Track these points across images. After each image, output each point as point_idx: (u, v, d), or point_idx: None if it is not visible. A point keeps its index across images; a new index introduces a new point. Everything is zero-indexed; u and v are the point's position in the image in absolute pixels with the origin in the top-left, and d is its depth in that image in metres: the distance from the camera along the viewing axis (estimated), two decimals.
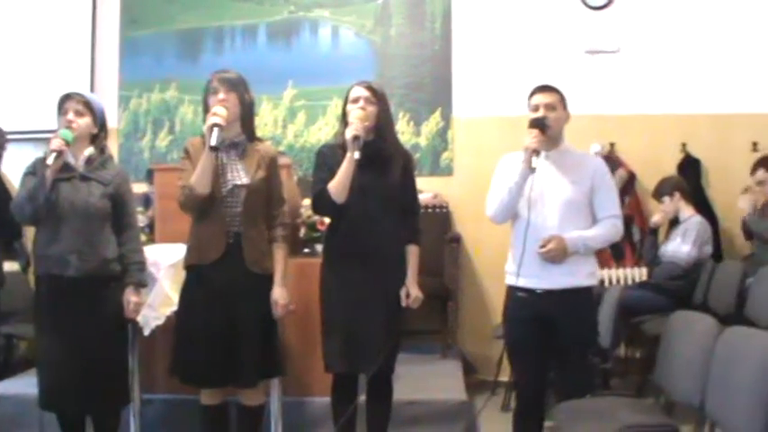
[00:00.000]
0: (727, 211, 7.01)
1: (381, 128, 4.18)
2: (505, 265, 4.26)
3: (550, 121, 4.06)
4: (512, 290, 4.20)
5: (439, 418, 5.12)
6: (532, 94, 4.20)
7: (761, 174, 6.38)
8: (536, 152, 3.95)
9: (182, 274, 4.26)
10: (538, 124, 4.02)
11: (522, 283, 4.09)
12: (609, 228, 4.15)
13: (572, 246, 4.02)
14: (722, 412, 3.33)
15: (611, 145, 7.08)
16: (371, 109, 4.13)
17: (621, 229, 4.26)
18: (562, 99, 4.18)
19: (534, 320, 4.08)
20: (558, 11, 7.20)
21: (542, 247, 4.00)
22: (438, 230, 6.55)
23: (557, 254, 4.00)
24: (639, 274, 6.66)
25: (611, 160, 6.93)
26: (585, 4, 7.18)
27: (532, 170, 3.96)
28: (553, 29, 7.19)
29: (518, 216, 4.14)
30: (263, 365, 4.15)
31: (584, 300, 4.18)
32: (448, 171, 7.21)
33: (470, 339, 6.78)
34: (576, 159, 4.20)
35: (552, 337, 4.08)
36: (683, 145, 7.09)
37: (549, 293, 4.05)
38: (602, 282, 6.00)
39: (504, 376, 5.83)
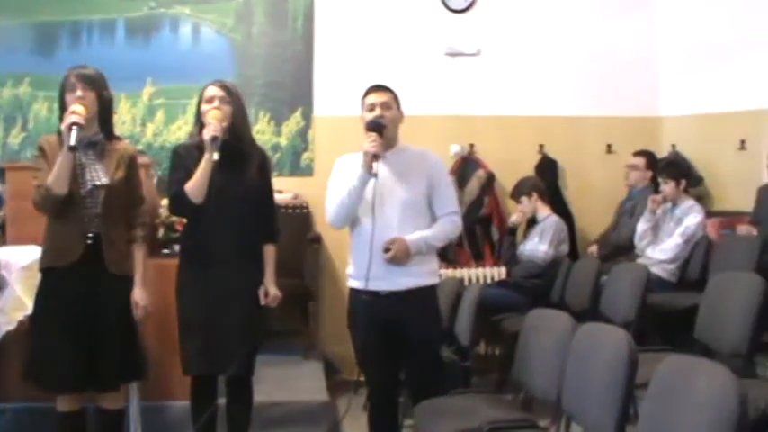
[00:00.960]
0: (583, 210, 7.24)
1: (237, 127, 4.13)
2: (347, 269, 4.27)
3: (387, 121, 4.05)
4: (355, 293, 4.19)
5: (301, 420, 5.11)
6: (366, 94, 4.17)
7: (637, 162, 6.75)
8: (376, 157, 3.93)
9: (36, 277, 4.11)
10: (375, 127, 3.99)
11: (370, 286, 4.06)
12: (448, 224, 4.19)
13: (414, 247, 4.04)
14: (578, 406, 3.42)
15: (471, 146, 7.19)
16: (227, 108, 4.08)
17: (461, 225, 4.31)
18: (396, 98, 4.18)
19: (380, 323, 4.09)
20: (420, 13, 7.27)
21: (386, 251, 4.00)
22: (298, 231, 6.52)
23: (401, 257, 4.01)
24: (498, 273, 6.80)
25: (471, 161, 7.08)
26: (446, 7, 7.28)
27: (373, 175, 3.95)
28: (414, 31, 7.25)
29: (359, 221, 4.13)
30: (124, 368, 4.06)
31: (429, 298, 4.21)
32: (308, 171, 7.18)
33: (332, 340, 6.76)
34: (413, 158, 4.20)
35: (400, 337, 4.11)
36: (541, 146, 7.27)
37: (394, 295, 4.06)
38: (461, 281, 6.09)
39: (363, 376, 5.86)
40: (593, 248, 6.80)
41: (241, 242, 4.10)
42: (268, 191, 4.32)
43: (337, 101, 7.05)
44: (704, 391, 2.52)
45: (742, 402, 2.36)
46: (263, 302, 4.17)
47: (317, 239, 6.63)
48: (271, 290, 4.20)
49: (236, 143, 4.11)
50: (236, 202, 4.09)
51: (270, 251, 4.25)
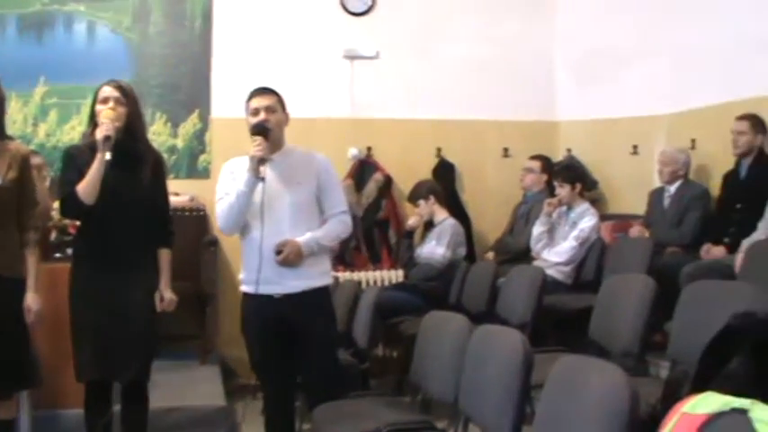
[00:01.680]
0: (480, 213, 7.31)
1: (131, 128, 4.04)
2: (240, 274, 4.23)
3: (272, 124, 4.04)
4: (249, 298, 4.17)
5: (198, 425, 5.04)
6: (250, 97, 4.17)
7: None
8: (262, 161, 3.93)
9: None
10: (260, 131, 3.99)
11: (260, 290, 4.06)
12: (339, 224, 4.22)
13: (306, 247, 4.04)
14: (475, 407, 3.44)
15: (369, 149, 7.18)
16: (121, 109, 3.99)
17: (350, 225, 4.34)
18: (281, 101, 4.18)
19: (275, 327, 4.08)
20: (318, 15, 7.23)
21: (278, 253, 3.99)
22: (195, 234, 6.41)
23: (293, 258, 4.00)
24: (396, 275, 6.81)
25: (369, 164, 7.06)
26: (345, 10, 7.26)
27: (261, 179, 3.94)
28: (313, 33, 7.20)
29: (248, 226, 4.11)
30: (15, 376, 3.93)
31: (322, 299, 4.21)
32: (205, 174, 7.04)
33: (230, 344, 6.62)
34: (300, 160, 4.21)
35: (295, 340, 4.09)
36: (438, 150, 7.31)
37: (288, 298, 4.05)
38: (359, 284, 6.08)
39: (259, 381, 5.80)
40: (490, 255, 6.86)
41: (135, 245, 4.02)
42: (162, 193, 4.24)
43: (235, 103, 6.81)
44: (597, 390, 2.56)
45: (633, 400, 2.40)
46: (158, 307, 4.09)
47: (214, 242, 6.53)
48: (166, 294, 4.12)
49: (131, 144, 4.02)
50: (129, 205, 4.01)
51: (164, 255, 4.17)
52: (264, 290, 4.05)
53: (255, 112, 4.09)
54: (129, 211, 4.00)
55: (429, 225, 6.68)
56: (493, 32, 7.44)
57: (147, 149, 4.15)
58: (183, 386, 5.49)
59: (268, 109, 4.08)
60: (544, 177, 6.95)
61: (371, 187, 7.05)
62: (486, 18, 7.45)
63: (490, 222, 7.32)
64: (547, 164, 7.04)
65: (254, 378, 6.05)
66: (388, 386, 6.10)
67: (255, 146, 3.93)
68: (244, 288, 4.19)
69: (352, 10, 7.26)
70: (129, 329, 3.95)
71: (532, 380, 3.12)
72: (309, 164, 4.20)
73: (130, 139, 4.02)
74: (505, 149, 7.49)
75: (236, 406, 5.54)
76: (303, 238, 4.04)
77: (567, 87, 7.64)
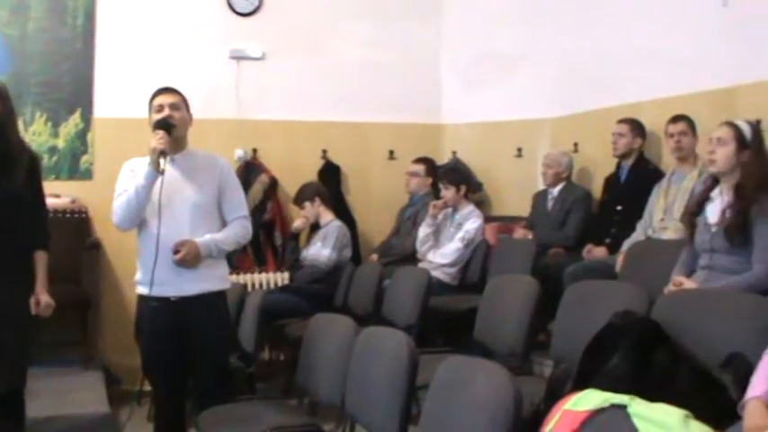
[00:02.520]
0: (366, 215, 7.32)
1: (3, 127, 3.89)
2: (135, 275, 4.14)
3: (176, 120, 4.00)
4: (144, 300, 4.08)
5: None
6: (155, 95, 4.11)
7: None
8: (163, 153, 3.87)
9: None
10: (163, 125, 3.94)
11: (156, 292, 3.98)
12: (239, 229, 4.18)
13: (205, 250, 3.98)
14: (362, 409, 3.43)
15: (254, 150, 7.11)
16: None
17: (251, 230, 4.30)
18: (185, 101, 4.14)
19: (170, 330, 4.00)
20: (205, 15, 7.11)
21: (175, 253, 3.92)
22: (76, 236, 6.23)
23: (191, 259, 3.94)
24: (282, 278, 6.77)
25: (254, 166, 6.99)
26: (232, 10, 7.16)
27: (161, 172, 3.87)
28: (199, 32, 7.08)
29: (146, 223, 4.03)
30: None
31: (219, 304, 4.16)
32: (88, 175, 6.83)
33: (113, 349, 6.50)
34: (202, 161, 4.17)
35: (189, 344, 4.03)
36: (324, 151, 7.28)
37: (183, 300, 3.99)
38: (245, 286, 6.01)
39: (150, 385, 5.69)
40: (374, 257, 6.87)
41: (9, 248, 3.87)
42: (37, 194, 4.09)
43: (119, 102, 6.76)
44: (482, 390, 2.58)
45: (517, 399, 2.43)
46: (34, 312, 3.95)
47: (97, 245, 6.38)
48: (42, 298, 3.96)
49: (4, 144, 3.87)
50: (2, 208, 3.85)
51: (40, 257, 4.02)
52: (160, 291, 3.97)
53: (160, 108, 4.03)
54: (2, 213, 3.84)
55: (315, 227, 6.65)
56: (380, 35, 7.45)
57: (20, 149, 4.00)
58: (63, 394, 5.32)
59: (172, 106, 4.03)
60: (429, 180, 7.00)
61: (257, 189, 6.97)
62: (374, 21, 7.45)
63: (376, 224, 7.34)
64: (431, 166, 7.09)
65: (139, 384, 5.97)
66: (274, 389, 6.05)
67: (157, 139, 3.87)
68: (139, 289, 4.10)
69: (239, 10, 7.17)
70: (2, 336, 3.79)
71: (419, 380, 3.13)
72: (212, 166, 4.16)
73: (2, 138, 3.87)
74: (391, 152, 7.51)
75: (121, 413, 5.42)
76: (202, 239, 3.98)
77: (454, 90, 7.71)
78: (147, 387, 5.79)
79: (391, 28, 7.51)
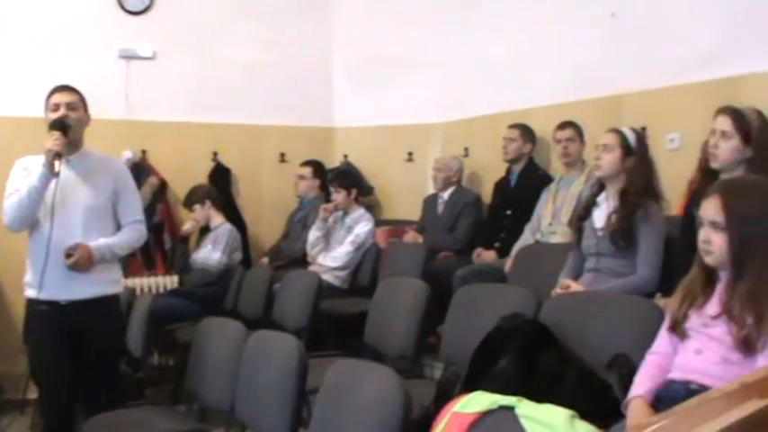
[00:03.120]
0: (256, 218, 7.26)
1: None
2: (24, 278, 4.02)
3: (72, 121, 3.91)
4: (33, 303, 3.97)
5: None
6: (52, 93, 4.01)
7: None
8: (58, 155, 3.77)
9: None
10: (59, 125, 3.84)
11: (45, 295, 3.88)
12: (134, 233, 4.12)
13: (98, 254, 3.90)
14: (251, 414, 3.40)
15: (144, 152, 6.97)
16: None
17: (145, 234, 4.25)
18: (83, 100, 4.07)
19: (60, 334, 3.89)
20: (94, 12, 6.93)
21: (68, 257, 3.83)
22: None
23: (83, 263, 3.85)
24: (171, 281, 6.67)
25: (143, 167, 6.86)
26: (122, 8, 6.99)
27: (55, 174, 3.78)
28: (87, 30, 6.90)
29: (38, 225, 3.92)
30: None
31: (111, 308, 4.09)
32: None
33: None
34: (98, 163, 4.09)
35: (80, 349, 3.93)
36: (215, 154, 7.20)
37: (74, 305, 3.90)
38: (133, 290, 5.89)
39: (33, 394, 5.50)
40: (265, 260, 6.82)
41: None
42: None
43: (3, 100, 6.57)
44: (371, 393, 2.58)
45: (405, 402, 2.44)
46: None
47: None
48: None
49: None
50: None
51: None
52: (49, 295, 3.87)
53: (56, 107, 3.93)
54: None
55: (205, 230, 6.57)
56: (272, 36, 7.41)
57: None
58: None
59: (69, 105, 3.94)
60: (317, 183, 7.00)
61: (146, 191, 6.82)
62: (266, 22, 7.40)
63: (266, 227, 7.29)
64: (318, 169, 7.09)
65: (22, 392, 5.78)
66: (163, 395, 5.94)
67: (53, 140, 3.77)
68: (28, 292, 3.99)
69: (130, 8, 7.01)
70: None
71: (309, 384, 3.12)
72: (108, 168, 4.09)
73: None
74: (282, 155, 7.47)
75: (1, 422, 5.25)
76: (96, 243, 3.90)
77: (345, 94, 7.71)
78: (31, 395, 5.65)
79: (283, 29, 7.47)
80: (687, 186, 3.92)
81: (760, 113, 3.59)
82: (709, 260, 2.62)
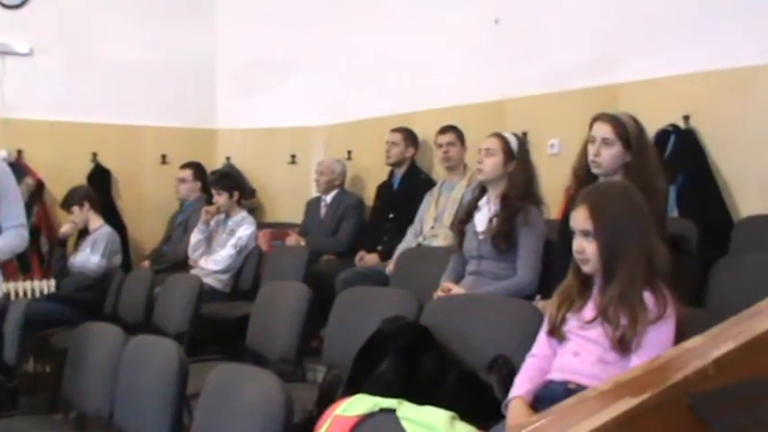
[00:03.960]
0: (137, 221, 7.14)
1: None
2: None
3: None
4: None
5: None
6: None
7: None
8: None
9: None
10: None
11: None
12: (17, 238, 4.02)
13: None
14: (131, 420, 3.34)
15: (19, 152, 6.78)
16: None
17: (27, 239, 4.13)
18: None
19: None
20: None
21: None
22: None
23: None
24: (48, 285, 6.51)
25: (19, 168, 6.65)
26: None
27: None
28: None
29: None
30: None
31: None
32: None
33: None
34: None
35: None
36: (94, 154, 7.06)
37: None
38: (7, 295, 5.71)
39: None
40: (145, 264, 6.71)
41: None
42: None
43: None
44: (252, 397, 2.57)
45: (287, 405, 2.43)
46: None
47: None
48: None
49: None
50: None
51: None
52: None
53: None
54: None
55: (83, 233, 6.42)
56: (154, 35, 7.29)
57: None
58: None
59: None
60: (198, 185, 6.93)
61: (22, 192, 6.64)
62: (148, 20, 7.28)
63: (147, 230, 7.18)
64: (199, 171, 7.01)
65: None
66: (39, 404, 5.77)
67: None
68: None
69: (5, 2, 6.80)
70: None
71: (190, 389, 3.08)
72: None
73: None
74: (164, 156, 7.37)
75: None
76: None
77: (228, 95, 7.66)
78: None
79: (165, 28, 7.37)
80: (565, 192, 4.00)
81: (634, 118, 3.69)
82: (587, 269, 2.69)
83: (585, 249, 2.66)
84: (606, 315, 2.59)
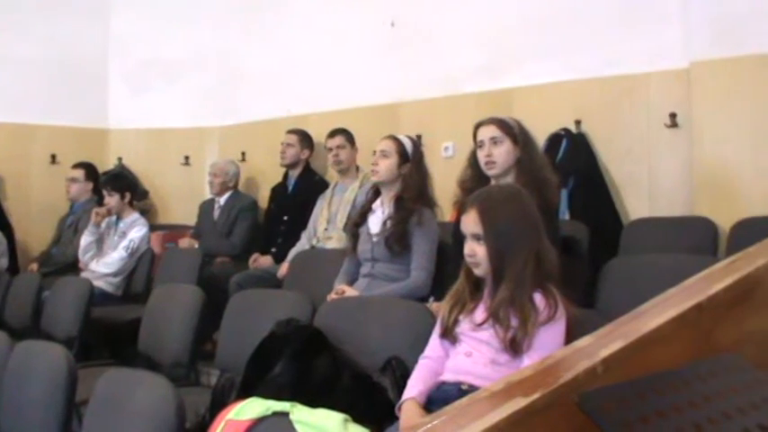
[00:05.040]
0: (25, 222, 6.97)
1: None
2: None
3: None
4: None
5: None
6: None
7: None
8: None
9: None
10: None
11: None
12: None
13: None
14: (17, 429, 3.25)
15: None
16: None
17: None
18: None
19: None
20: None
21: None
22: None
23: None
24: None
25: None
26: None
27: None
28: None
29: None
30: None
31: None
32: None
33: None
34: None
35: None
36: None
37: None
38: None
39: None
40: (33, 267, 6.55)
41: None
42: None
43: None
44: (143, 402, 2.53)
45: (179, 410, 2.40)
46: None
47: None
48: None
49: None
50: None
51: None
52: None
53: None
54: None
55: None
56: (45, 33, 7.12)
57: None
58: None
59: None
60: (90, 186, 6.79)
61: None
62: (38, 16, 7.11)
63: (35, 232, 7.01)
64: (91, 172, 6.87)
65: None
66: None
67: None
68: None
69: None
70: None
71: (80, 396, 3.02)
72: None
73: None
74: (53, 156, 7.20)
75: None
76: None
77: (120, 94, 7.54)
78: None
79: (57, 26, 7.20)
80: (453, 205, 4.03)
81: (514, 119, 3.78)
82: (478, 272, 2.73)
83: (476, 252, 2.70)
84: (497, 317, 2.63)
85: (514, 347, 2.58)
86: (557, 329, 2.61)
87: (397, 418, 2.72)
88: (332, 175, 6.06)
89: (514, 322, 2.60)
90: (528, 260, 2.66)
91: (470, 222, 2.73)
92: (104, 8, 7.54)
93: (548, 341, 2.56)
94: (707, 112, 4.64)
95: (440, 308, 2.95)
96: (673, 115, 4.81)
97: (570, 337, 2.58)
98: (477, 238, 2.70)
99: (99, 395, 2.78)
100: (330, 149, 5.59)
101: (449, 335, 2.78)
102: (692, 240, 4.49)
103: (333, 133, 5.64)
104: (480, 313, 2.72)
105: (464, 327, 2.75)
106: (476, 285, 2.79)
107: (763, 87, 4.46)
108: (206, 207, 6.62)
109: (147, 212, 6.95)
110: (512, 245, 2.67)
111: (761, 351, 1.97)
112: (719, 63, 4.58)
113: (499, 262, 2.67)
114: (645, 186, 4.95)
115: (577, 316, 2.72)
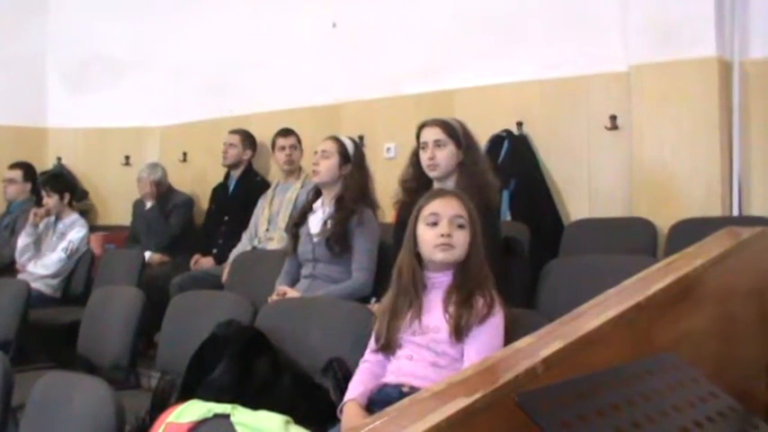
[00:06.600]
0: None
1: None
2: None
3: None
4: None
5: None
6: None
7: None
8: None
9: None
10: None
11: None
12: None
13: None
14: None
15: None
16: None
17: None
18: None
19: None
20: None
21: None
22: None
23: None
24: None
25: None
26: None
27: None
28: None
29: None
30: None
31: None
32: None
33: None
34: None
35: None
36: None
37: None
38: None
39: None
40: None
41: None
42: None
43: None
44: (82, 406, 2.50)
45: (118, 414, 2.38)
46: None
47: None
48: None
49: None
50: None
51: None
52: None
53: None
54: None
55: None
56: None
57: None
58: None
59: None
60: (28, 186, 6.67)
61: None
62: None
63: None
64: (29, 171, 6.76)
65: None
66: None
67: None
68: None
69: None
70: None
71: (16, 401, 2.96)
72: None
73: None
74: None
75: None
76: None
77: (59, 93, 7.43)
78: None
79: None
80: (394, 206, 4.04)
81: (458, 120, 3.80)
82: (448, 255, 2.73)
83: (453, 235, 2.72)
84: (447, 309, 2.67)
85: (458, 335, 2.62)
86: (494, 327, 2.65)
87: (338, 420, 2.72)
88: (273, 175, 6.04)
89: (464, 315, 2.63)
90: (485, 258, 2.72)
91: (454, 205, 2.76)
92: (43, 4, 7.42)
93: (486, 338, 2.61)
94: (646, 114, 4.71)
95: (375, 318, 2.95)
96: (613, 117, 4.87)
97: (510, 337, 2.60)
98: (459, 223, 2.74)
99: (36, 399, 2.74)
100: (283, 148, 5.57)
101: (388, 349, 2.78)
102: (632, 241, 4.54)
103: (286, 133, 5.63)
104: (427, 316, 2.72)
105: (405, 332, 2.75)
106: (405, 293, 2.79)
107: (700, 90, 4.54)
108: (139, 207, 6.54)
109: (86, 213, 6.85)
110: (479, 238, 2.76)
111: (697, 350, 2.01)
112: (658, 67, 4.65)
113: (472, 252, 2.72)
114: (585, 188, 5.01)
115: (517, 317, 2.75)
